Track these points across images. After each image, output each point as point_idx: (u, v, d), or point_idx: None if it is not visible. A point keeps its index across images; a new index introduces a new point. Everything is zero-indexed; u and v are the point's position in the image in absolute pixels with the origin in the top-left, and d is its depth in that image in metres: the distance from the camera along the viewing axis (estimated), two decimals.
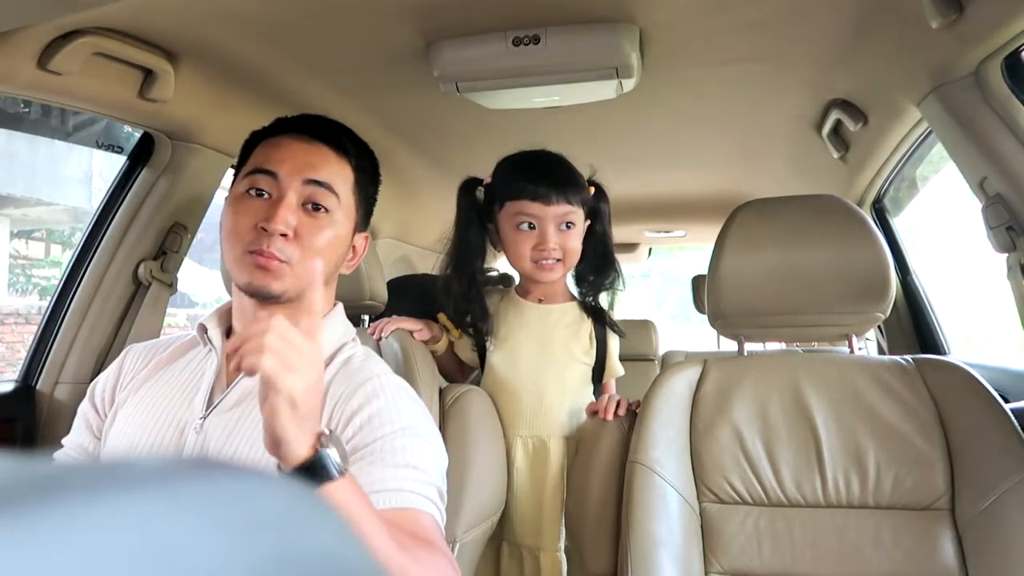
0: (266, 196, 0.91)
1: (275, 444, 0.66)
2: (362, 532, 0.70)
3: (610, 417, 1.17)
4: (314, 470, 0.65)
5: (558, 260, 1.28)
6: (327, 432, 0.68)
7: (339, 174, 0.95)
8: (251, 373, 0.65)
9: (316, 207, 0.92)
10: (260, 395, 0.67)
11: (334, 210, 0.93)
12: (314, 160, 0.93)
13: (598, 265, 1.33)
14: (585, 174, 1.35)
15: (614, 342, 1.35)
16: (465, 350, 1.39)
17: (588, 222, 1.32)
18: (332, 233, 0.93)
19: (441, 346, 1.36)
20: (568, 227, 1.27)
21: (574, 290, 1.38)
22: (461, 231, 1.36)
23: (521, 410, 1.29)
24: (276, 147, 0.94)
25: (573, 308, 1.34)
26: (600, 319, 1.34)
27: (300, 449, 0.66)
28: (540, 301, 1.34)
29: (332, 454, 0.67)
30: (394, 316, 1.34)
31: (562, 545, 1.26)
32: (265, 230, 0.88)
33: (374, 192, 1.04)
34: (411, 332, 1.30)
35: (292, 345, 0.66)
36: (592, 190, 1.33)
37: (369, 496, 0.78)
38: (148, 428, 0.91)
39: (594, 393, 1.35)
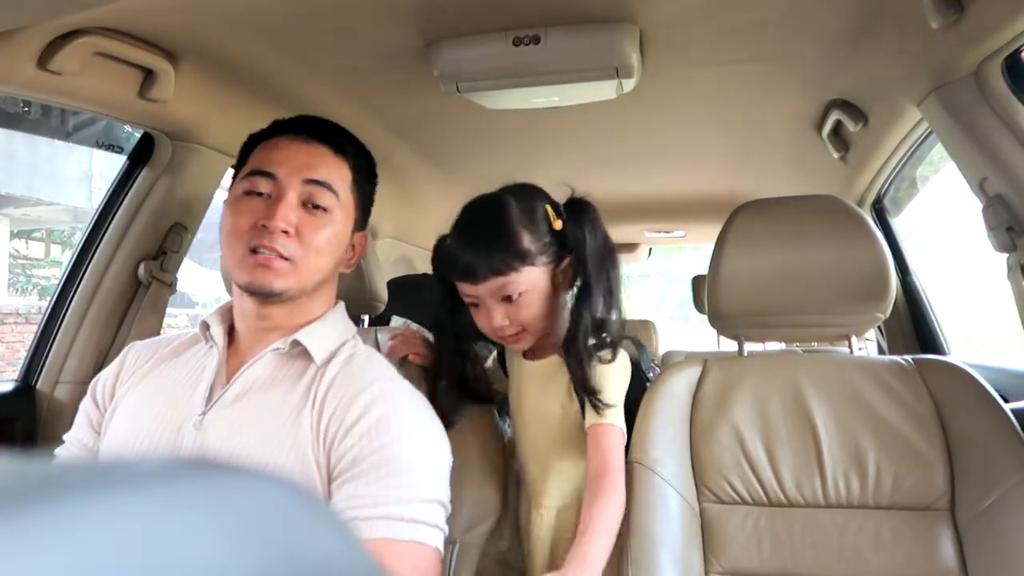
0: (265, 196, 0.92)
1: None
2: None
3: None
4: None
5: (520, 331, 1.09)
6: None
7: (337, 173, 0.95)
8: None
9: (315, 206, 0.93)
10: None
11: (333, 208, 0.94)
12: (313, 160, 0.94)
13: (585, 295, 1.08)
14: (562, 191, 1.14)
15: (602, 382, 1.06)
16: (500, 382, 1.28)
17: (568, 259, 1.09)
18: (332, 231, 0.94)
19: None
20: (511, 299, 1.05)
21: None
22: (437, 311, 1.17)
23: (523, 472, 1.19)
24: (275, 148, 0.95)
25: (552, 361, 1.12)
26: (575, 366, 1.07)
27: None
28: (536, 357, 1.16)
29: None
30: (411, 328, 1.26)
31: None
32: (266, 227, 0.89)
33: (371, 191, 1.05)
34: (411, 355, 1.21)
35: None
36: (560, 224, 1.08)
37: (364, 520, 0.78)
38: (147, 423, 0.92)
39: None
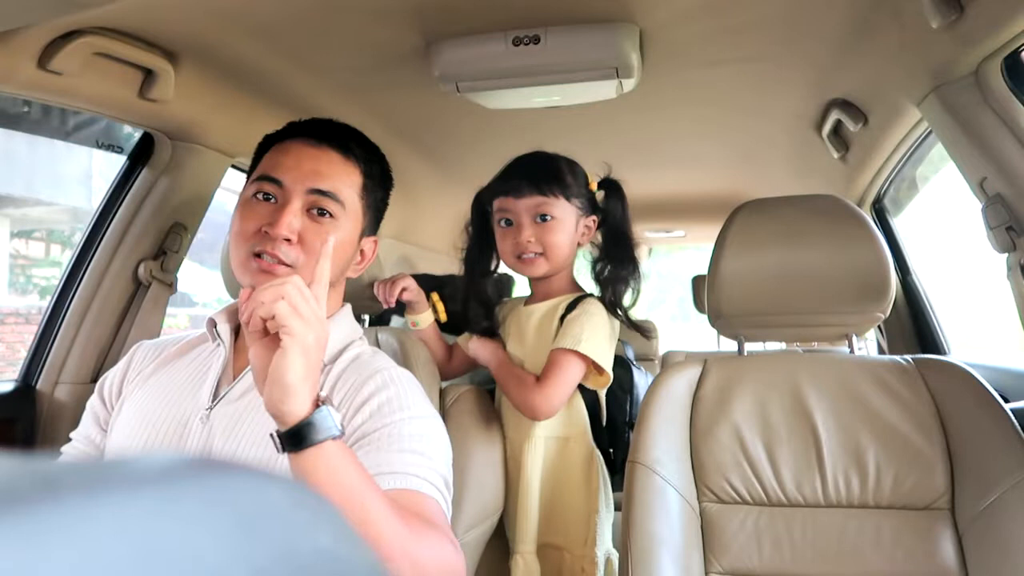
0: (273, 200, 0.93)
1: (281, 394, 0.66)
2: (360, 500, 0.71)
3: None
4: (315, 426, 0.66)
5: (539, 254, 1.24)
6: (327, 403, 0.70)
7: (344, 180, 0.95)
8: (265, 319, 0.69)
9: (321, 212, 0.93)
10: (258, 355, 0.70)
11: (339, 215, 0.94)
12: (320, 167, 0.94)
13: (614, 258, 1.29)
14: (601, 172, 1.34)
15: (579, 319, 1.22)
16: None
17: (593, 218, 1.30)
18: (336, 238, 0.94)
19: (422, 319, 1.34)
20: (544, 219, 1.23)
21: (591, 288, 1.34)
22: (468, 242, 1.36)
23: (510, 411, 1.28)
24: (284, 153, 0.95)
25: (553, 303, 1.29)
26: (575, 305, 1.25)
27: (304, 403, 0.67)
28: (537, 301, 1.32)
29: (332, 412, 0.68)
30: (401, 275, 1.32)
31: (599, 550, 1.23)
32: (268, 234, 0.89)
33: (383, 197, 1.05)
34: (402, 288, 1.29)
35: (307, 298, 0.70)
36: (595, 186, 1.30)
37: (375, 477, 0.78)
38: (153, 420, 0.92)
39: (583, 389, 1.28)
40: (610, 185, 1.33)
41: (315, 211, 0.93)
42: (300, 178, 0.92)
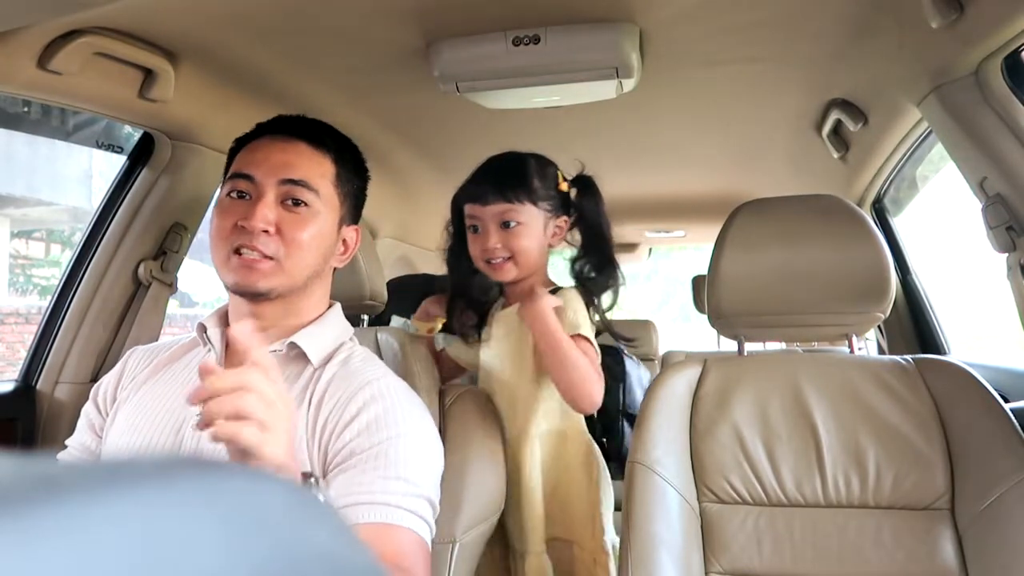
0: (247, 197, 0.93)
1: None
2: None
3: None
4: None
5: (507, 259, 1.22)
6: (313, 480, 0.68)
7: (316, 169, 0.96)
8: (222, 441, 0.60)
9: (296, 202, 0.93)
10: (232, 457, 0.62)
11: (314, 204, 0.94)
12: (290, 158, 0.94)
13: (591, 258, 1.27)
14: (574, 169, 1.31)
15: (570, 304, 1.21)
16: (462, 352, 1.37)
17: (565, 218, 1.26)
18: (315, 227, 0.94)
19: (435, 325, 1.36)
20: (509, 226, 1.21)
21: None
22: (449, 241, 1.35)
23: (501, 410, 1.27)
24: (254, 150, 0.96)
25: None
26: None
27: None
28: (514, 303, 1.29)
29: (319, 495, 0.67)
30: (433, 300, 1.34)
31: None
32: (245, 228, 0.90)
33: (361, 185, 1.05)
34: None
35: (272, 404, 0.62)
36: (566, 186, 1.27)
37: (356, 506, 0.79)
38: (147, 425, 0.92)
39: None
40: (582, 182, 1.29)
41: (290, 202, 0.93)
42: (271, 170, 0.93)
